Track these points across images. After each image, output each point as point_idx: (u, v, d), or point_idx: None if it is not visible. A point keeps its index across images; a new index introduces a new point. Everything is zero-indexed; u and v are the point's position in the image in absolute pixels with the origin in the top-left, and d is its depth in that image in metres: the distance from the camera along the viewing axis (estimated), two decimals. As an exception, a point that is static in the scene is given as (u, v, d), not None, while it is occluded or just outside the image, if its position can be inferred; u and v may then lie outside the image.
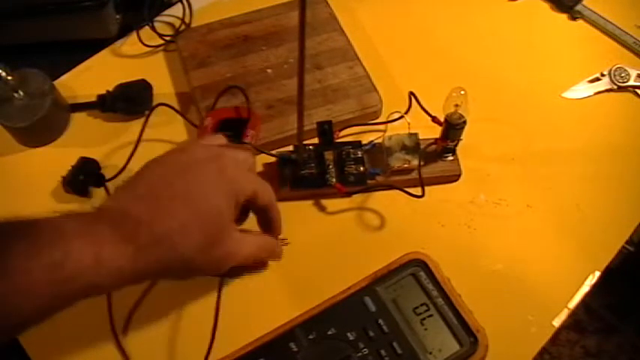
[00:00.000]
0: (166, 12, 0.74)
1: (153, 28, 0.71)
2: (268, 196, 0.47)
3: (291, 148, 0.61)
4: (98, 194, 0.60)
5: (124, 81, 0.66)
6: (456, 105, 0.56)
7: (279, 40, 0.69)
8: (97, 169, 0.61)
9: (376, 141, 0.61)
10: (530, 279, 0.56)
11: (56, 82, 0.66)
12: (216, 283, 0.54)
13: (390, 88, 0.67)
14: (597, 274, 0.57)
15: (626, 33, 0.72)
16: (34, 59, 0.65)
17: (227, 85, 0.65)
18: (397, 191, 0.59)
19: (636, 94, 0.69)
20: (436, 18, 0.75)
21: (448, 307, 0.52)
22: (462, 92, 0.56)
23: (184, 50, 0.69)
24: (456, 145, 0.61)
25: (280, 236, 0.54)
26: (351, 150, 0.60)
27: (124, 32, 0.72)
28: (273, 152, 0.60)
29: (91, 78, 0.69)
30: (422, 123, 0.61)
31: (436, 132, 0.60)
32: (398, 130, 0.61)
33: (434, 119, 0.60)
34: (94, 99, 0.65)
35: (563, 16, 0.76)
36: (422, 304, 0.52)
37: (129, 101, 0.65)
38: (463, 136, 0.59)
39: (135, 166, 0.61)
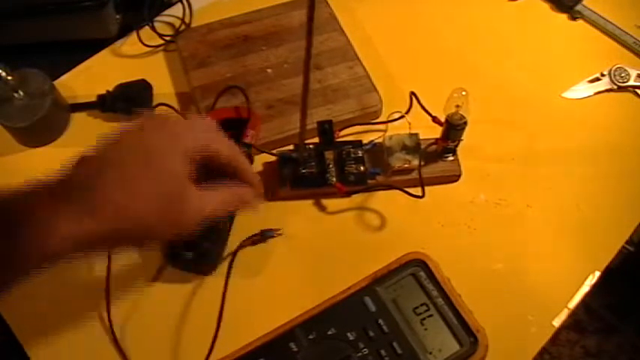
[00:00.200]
0: (166, 12, 0.74)
1: (153, 28, 0.71)
2: (229, 151, 0.46)
3: (291, 147, 0.61)
4: (98, 194, 0.60)
5: (124, 81, 0.66)
6: (457, 105, 0.56)
7: (279, 40, 0.69)
8: (97, 169, 0.61)
9: (377, 141, 0.61)
10: (530, 279, 0.56)
11: (56, 82, 0.66)
12: (216, 283, 0.54)
13: (390, 88, 0.67)
14: (597, 274, 0.57)
15: (626, 33, 0.73)
16: (34, 59, 0.65)
17: (227, 85, 0.65)
18: (397, 191, 0.59)
19: (636, 94, 0.69)
20: (436, 18, 0.75)
21: (448, 307, 0.52)
22: (463, 93, 0.56)
23: (184, 50, 0.69)
24: (456, 146, 0.61)
25: (259, 188, 0.52)
26: (352, 149, 0.60)
27: (124, 32, 0.72)
28: (274, 152, 0.60)
29: (91, 78, 0.69)
30: (422, 123, 0.61)
31: (436, 132, 0.60)
32: (398, 130, 0.61)
33: (434, 119, 0.60)
34: (94, 99, 0.65)
35: (563, 16, 0.76)
36: (422, 304, 0.52)
37: (129, 101, 0.65)
38: (463, 137, 0.59)
39: (135, 166, 0.61)
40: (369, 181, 0.60)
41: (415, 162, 0.59)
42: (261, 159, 0.62)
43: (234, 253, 0.55)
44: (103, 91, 0.65)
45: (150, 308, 0.54)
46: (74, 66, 0.70)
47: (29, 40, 0.70)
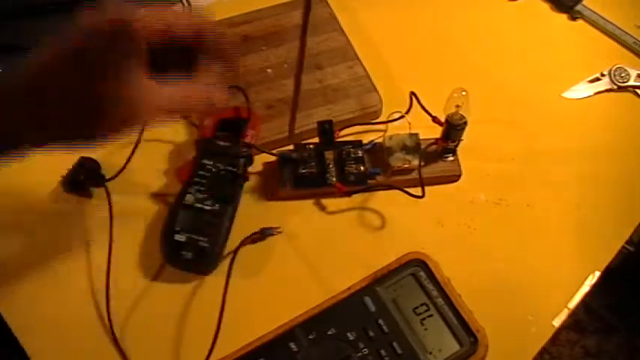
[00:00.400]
0: (166, 12, 0.74)
1: (153, 28, 0.71)
2: (186, 21, 0.39)
3: (291, 147, 0.61)
4: (98, 194, 0.60)
5: (124, 81, 0.66)
6: (457, 105, 0.56)
7: (279, 40, 0.69)
8: (97, 169, 0.61)
9: (377, 141, 0.61)
10: (530, 279, 0.56)
11: (56, 82, 0.66)
12: (216, 283, 0.54)
13: (390, 88, 0.67)
14: (597, 274, 0.57)
15: (626, 33, 0.73)
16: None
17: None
18: (397, 191, 0.59)
19: (636, 94, 0.69)
20: (436, 18, 0.75)
21: (448, 307, 0.52)
22: (463, 93, 0.56)
23: (184, 50, 0.69)
24: (456, 146, 0.61)
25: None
26: (352, 149, 0.60)
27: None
28: (274, 152, 0.60)
29: (91, 78, 0.68)
30: (422, 123, 0.61)
31: (436, 132, 0.60)
32: (398, 130, 0.61)
33: (434, 119, 0.60)
34: (94, 99, 0.65)
35: (563, 16, 0.76)
36: (422, 304, 0.52)
37: (129, 101, 0.65)
38: (463, 137, 0.59)
39: (135, 165, 0.61)
40: (369, 181, 0.60)
41: (415, 162, 0.59)
42: (261, 159, 0.62)
43: (234, 252, 0.55)
44: (103, 91, 0.65)
45: (150, 308, 0.54)
46: (74, 66, 0.69)
47: (29, 40, 0.70)
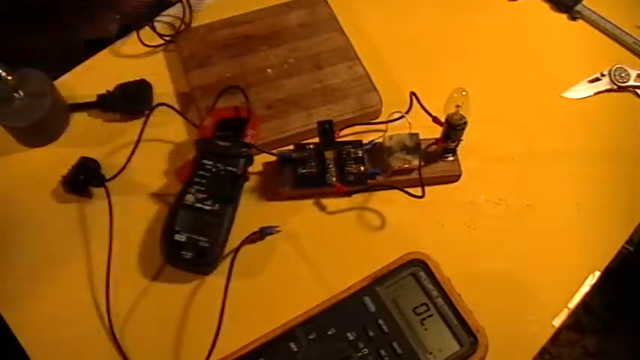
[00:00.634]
0: (166, 12, 0.74)
1: (153, 28, 0.71)
2: None
3: (291, 147, 0.61)
4: (98, 194, 0.60)
5: (124, 81, 0.66)
6: (457, 105, 0.56)
7: (279, 40, 0.69)
8: (97, 169, 0.61)
9: (377, 141, 0.61)
10: (530, 279, 0.56)
11: (56, 82, 0.66)
12: (216, 283, 0.54)
13: (390, 88, 0.67)
14: (597, 274, 0.57)
15: (626, 33, 0.72)
16: (34, 59, 0.65)
17: (227, 85, 0.65)
18: (397, 191, 0.59)
19: (636, 94, 0.69)
20: (436, 18, 0.75)
21: (448, 307, 0.51)
22: (463, 93, 0.55)
23: (184, 50, 0.69)
24: (456, 146, 0.61)
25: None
26: (352, 149, 0.60)
27: (124, 32, 0.72)
28: (274, 152, 0.60)
29: (91, 78, 0.69)
30: (422, 123, 0.61)
31: (437, 132, 0.60)
32: (398, 130, 0.61)
33: (434, 119, 0.60)
34: (94, 99, 0.65)
35: (563, 16, 0.76)
36: (422, 304, 0.52)
37: (129, 101, 0.65)
38: (463, 137, 0.59)
39: (135, 165, 0.61)
40: (369, 181, 0.60)
41: (415, 162, 0.59)
42: (261, 159, 0.62)
43: (235, 252, 0.55)
44: (103, 91, 0.65)
45: (150, 308, 0.54)
46: (74, 66, 0.70)
47: (29, 41, 0.70)
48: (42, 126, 0.62)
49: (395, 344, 0.50)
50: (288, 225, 0.58)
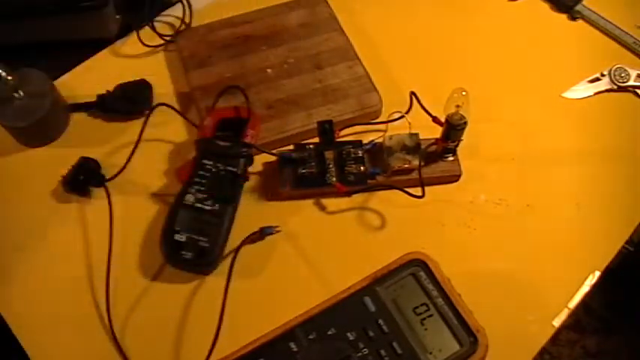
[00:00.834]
0: (166, 12, 0.74)
1: (153, 28, 0.71)
2: None
3: (291, 147, 0.61)
4: (98, 194, 0.60)
5: (124, 81, 0.66)
6: (457, 106, 0.56)
7: (279, 40, 0.69)
8: (97, 169, 0.61)
9: (377, 141, 0.61)
10: (530, 279, 0.56)
11: (56, 82, 0.66)
12: (216, 283, 0.54)
13: (390, 88, 0.67)
14: (597, 274, 0.57)
15: (626, 33, 0.73)
16: (34, 59, 0.65)
17: (227, 85, 0.65)
18: (397, 191, 0.59)
19: (636, 94, 0.69)
20: (436, 18, 0.75)
21: (448, 307, 0.51)
22: (463, 93, 0.55)
23: (184, 50, 0.69)
24: (456, 146, 0.61)
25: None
26: (352, 149, 0.60)
27: (124, 32, 0.72)
28: (274, 152, 0.60)
29: (91, 78, 0.69)
30: (422, 123, 0.61)
31: (436, 132, 0.60)
32: (398, 129, 0.61)
33: (434, 119, 0.60)
34: (94, 99, 0.65)
35: (563, 16, 0.76)
36: (422, 304, 0.52)
37: (129, 101, 0.65)
38: (463, 137, 0.59)
39: (135, 165, 0.61)
40: (369, 181, 0.60)
41: (415, 162, 0.59)
42: (261, 159, 0.62)
43: (235, 252, 0.55)
44: (103, 91, 0.65)
45: (150, 308, 0.54)
46: (74, 66, 0.70)
47: (29, 40, 0.70)
48: (42, 126, 0.62)
49: (395, 344, 0.50)
50: (288, 225, 0.58)
